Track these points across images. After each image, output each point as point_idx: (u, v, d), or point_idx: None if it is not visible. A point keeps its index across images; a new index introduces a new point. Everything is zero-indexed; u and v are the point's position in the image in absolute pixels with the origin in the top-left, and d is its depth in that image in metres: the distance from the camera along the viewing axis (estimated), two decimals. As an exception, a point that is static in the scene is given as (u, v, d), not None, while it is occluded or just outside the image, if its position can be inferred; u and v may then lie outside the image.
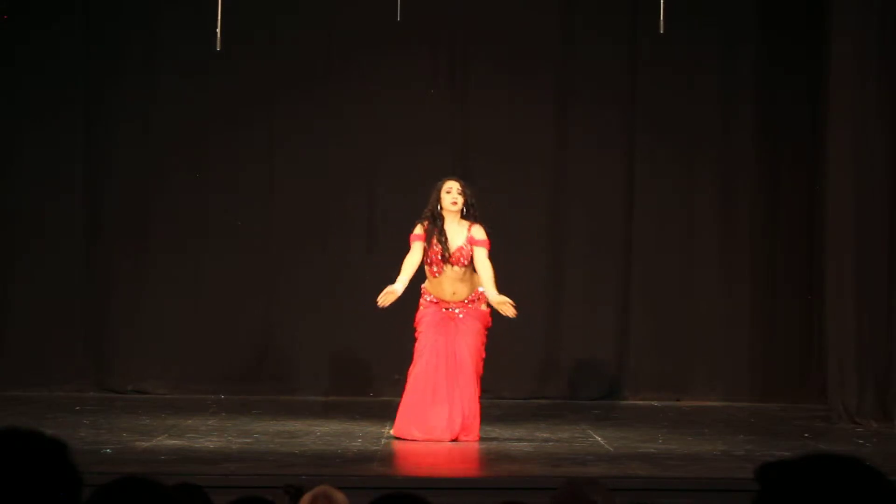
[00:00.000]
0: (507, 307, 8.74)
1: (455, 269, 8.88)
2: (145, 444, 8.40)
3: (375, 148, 11.64)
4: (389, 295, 8.75)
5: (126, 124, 11.63)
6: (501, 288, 11.55)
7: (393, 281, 8.87)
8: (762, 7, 11.61)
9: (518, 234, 11.68)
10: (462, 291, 8.89)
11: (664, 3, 9.23)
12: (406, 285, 8.82)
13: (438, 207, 8.91)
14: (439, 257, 8.85)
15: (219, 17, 9.26)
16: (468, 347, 8.84)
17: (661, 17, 9.17)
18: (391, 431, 8.99)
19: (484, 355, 8.97)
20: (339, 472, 7.56)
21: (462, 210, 8.90)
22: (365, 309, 11.23)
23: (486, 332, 8.97)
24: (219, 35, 9.25)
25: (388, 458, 8.37)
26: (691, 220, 11.75)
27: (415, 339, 9.00)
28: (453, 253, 8.85)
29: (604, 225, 11.76)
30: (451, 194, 8.90)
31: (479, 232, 8.93)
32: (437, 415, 8.78)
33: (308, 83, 11.69)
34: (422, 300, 9.00)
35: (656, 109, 11.70)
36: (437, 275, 8.88)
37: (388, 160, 11.57)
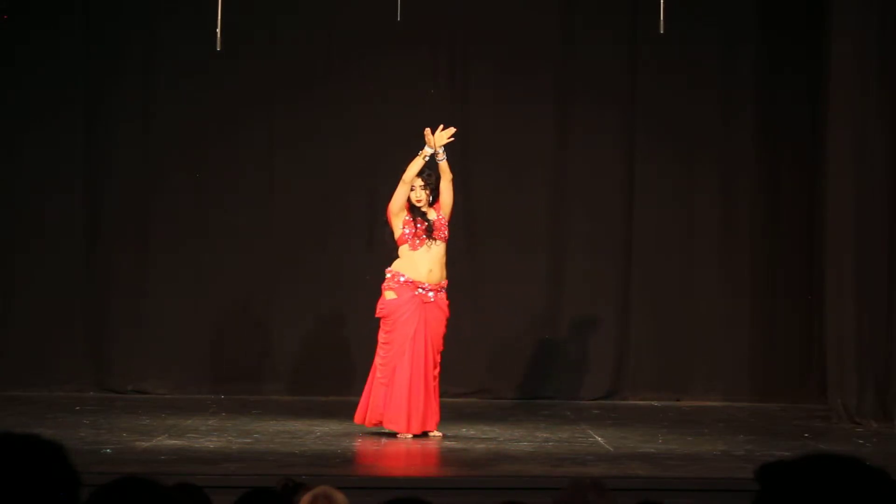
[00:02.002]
0: (437, 136, 8.97)
1: (436, 246, 8.99)
2: (145, 444, 8.40)
3: (375, 148, 11.64)
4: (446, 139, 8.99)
5: (126, 124, 11.63)
6: (500, 288, 11.60)
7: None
8: (762, 7, 11.61)
9: (518, 234, 11.68)
10: (436, 272, 9.01)
11: (664, 3, 9.23)
12: (425, 158, 8.99)
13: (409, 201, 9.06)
14: (424, 229, 8.96)
15: (219, 17, 9.26)
16: (434, 342, 8.95)
17: (661, 17, 9.16)
18: (384, 425, 8.95)
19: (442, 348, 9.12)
20: (339, 472, 7.56)
21: (428, 201, 9.03)
22: (365, 308, 11.25)
23: (446, 323, 9.10)
24: (219, 35, 9.24)
25: (387, 458, 8.38)
26: (691, 220, 11.75)
27: (380, 327, 9.06)
28: (435, 224, 8.97)
29: (604, 225, 11.76)
30: (416, 192, 9.04)
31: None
32: (420, 408, 8.88)
33: (308, 83, 11.69)
34: (391, 283, 9.01)
35: (656, 109, 11.70)
36: (417, 247, 8.98)
37: (388, 160, 11.54)
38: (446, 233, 9.07)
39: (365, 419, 9.02)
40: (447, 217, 9.08)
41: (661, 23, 9.17)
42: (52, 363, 11.50)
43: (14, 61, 11.53)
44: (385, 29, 10.95)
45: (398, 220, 9.06)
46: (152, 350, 11.57)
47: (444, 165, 9.05)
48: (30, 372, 11.43)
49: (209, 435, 8.95)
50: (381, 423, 8.95)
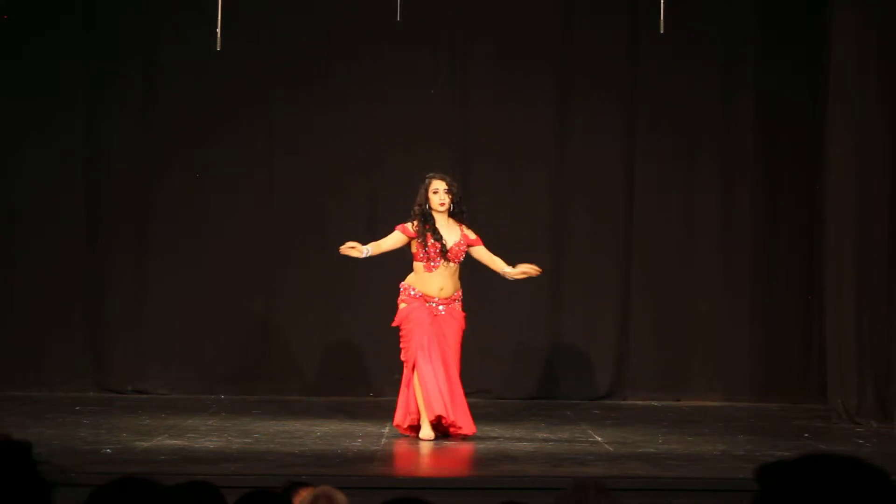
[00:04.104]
0: (530, 269, 8.96)
1: (450, 266, 8.97)
2: (145, 444, 8.40)
3: (375, 148, 11.64)
4: (355, 251, 8.87)
5: (126, 124, 11.63)
6: (500, 289, 11.59)
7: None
8: (762, 7, 11.61)
9: (518, 234, 11.67)
10: (448, 288, 9.00)
11: (664, 3, 9.23)
12: (371, 254, 8.92)
13: (427, 206, 8.98)
14: (438, 251, 8.90)
15: (219, 17, 9.26)
16: (452, 350, 8.92)
17: (661, 17, 9.17)
18: (420, 434, 8.92)
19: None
20: (339, 472, 7.56)
21: (450, 208, 8.98)
22: (365, 309, 11.27)
23: (462, 334, 9.06)
24: (219, 35, 9.24)
25: (388, 458, 8.38)
26: (691, 220, 11.75)
27: (400, 338, 9.04)
28: (451, 248, 8.94)
29: (604, 225, 11.76)
30: (439, 195, 9.00)
31: (471, 232, 9.12)
32: (442, 404, 8.87)
33: (308, 83, 11.69)
34: (404, 296, 9.02)
35: (656, 109, 11.70)
36: (432, 269, 8.93)
37: (388, 160, 11.56)
38: (462, 257, 9.05)
39: (402, 422, 9.00)
40: (483, 248, 9.08)
41: (661, 23, 9.17)
42: (52, 363, 11.50)
43: (14, 61, 11.52)
44: (385, 29, 10.95)
45: (411, 241, 9.03)
46: (152, 350, 11.57)
47: (508, 272, 9.01)
48: (30, 372, 11.43)
49: (209, 435, 8.95)
50: (413, 425, 8.94)
